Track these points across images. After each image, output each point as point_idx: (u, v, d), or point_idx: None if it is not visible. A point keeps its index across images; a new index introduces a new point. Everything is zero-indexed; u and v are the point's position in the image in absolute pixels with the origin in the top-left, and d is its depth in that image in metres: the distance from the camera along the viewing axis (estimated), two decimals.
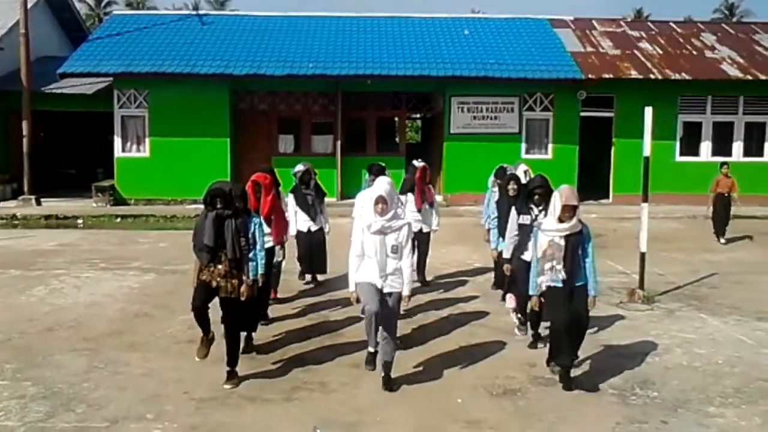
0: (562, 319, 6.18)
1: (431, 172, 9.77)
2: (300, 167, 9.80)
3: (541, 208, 7.28)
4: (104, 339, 7.69)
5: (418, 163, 9.86)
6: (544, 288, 6.28)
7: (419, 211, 9.60)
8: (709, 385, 6.45)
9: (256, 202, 7.91)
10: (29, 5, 19.97)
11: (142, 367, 6.84)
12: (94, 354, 7.18)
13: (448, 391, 6.30)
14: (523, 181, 8.44)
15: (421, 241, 9.64)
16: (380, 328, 6.28)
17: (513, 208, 7.63)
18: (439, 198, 18.33)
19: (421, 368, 6.82)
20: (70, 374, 6.59)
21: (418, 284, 9.36)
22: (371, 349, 6.67)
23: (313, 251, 9.79)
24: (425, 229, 9.79)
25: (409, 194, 9.61)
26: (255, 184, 7.97)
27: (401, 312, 6.80)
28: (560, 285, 6.18)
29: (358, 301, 6.35)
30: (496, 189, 9.43)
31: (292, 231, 9.44)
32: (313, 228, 9.72)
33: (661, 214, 16.67)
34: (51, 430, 5.46)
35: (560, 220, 6.15)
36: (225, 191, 6.19)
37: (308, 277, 10.19)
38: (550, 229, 6.21)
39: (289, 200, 9.46)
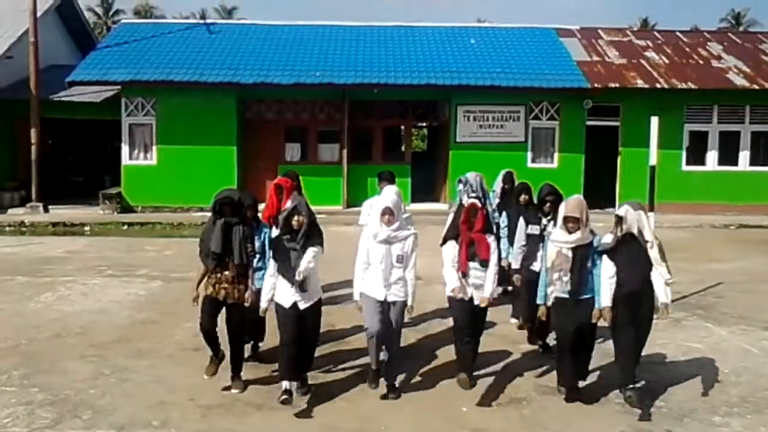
0: (568, 332, 6.18)
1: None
2: (287, 204, 6.79)
3: (550, 217, 7.30)
4: (111, 346, 7.73)
5: (466, 200, 6.89)
6: (552, 299, 6.26)
7: (464, 275, 6.36)
8: (715, 395, 6.44)
9: (278, 203, 8.09)
10: (38, 14, 20.08)
11: (148, 374, 6.87)
12: (101, 361, 7.22)
13: (452, 399, 6.31)
14: (627, 223, 6.13)
15: (477, 315, 6.53)
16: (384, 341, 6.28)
17: (522, 217, 7.63)
18: (445, 206, 18.39)
19: (425, 376, 6.83)
20: (77, 381, 6.63)
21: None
22: (374, 367, 6.52)
23: (299, 340, 6.10)
24: (477, 299, 6.49)
25: (452, 243, 6.46)
26: (277, 187, 8.14)
27: (406, 320, 6.80)
28: (567, 296, 6.17)
29: (361, 309, 6.38)
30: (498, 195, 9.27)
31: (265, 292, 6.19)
32: (302, 305, 6.06)
33: (666, 223, 16.60)
34: None
35: (568, 231, 6.16)
36: (234, 199, 6.29)
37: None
38: (558, 240, 6.21)
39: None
